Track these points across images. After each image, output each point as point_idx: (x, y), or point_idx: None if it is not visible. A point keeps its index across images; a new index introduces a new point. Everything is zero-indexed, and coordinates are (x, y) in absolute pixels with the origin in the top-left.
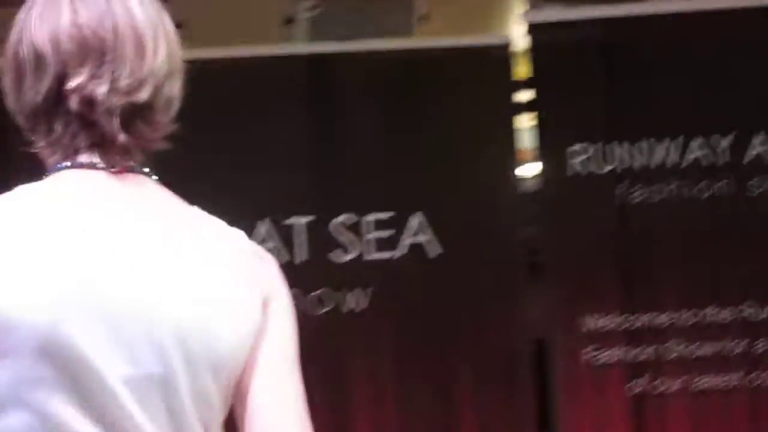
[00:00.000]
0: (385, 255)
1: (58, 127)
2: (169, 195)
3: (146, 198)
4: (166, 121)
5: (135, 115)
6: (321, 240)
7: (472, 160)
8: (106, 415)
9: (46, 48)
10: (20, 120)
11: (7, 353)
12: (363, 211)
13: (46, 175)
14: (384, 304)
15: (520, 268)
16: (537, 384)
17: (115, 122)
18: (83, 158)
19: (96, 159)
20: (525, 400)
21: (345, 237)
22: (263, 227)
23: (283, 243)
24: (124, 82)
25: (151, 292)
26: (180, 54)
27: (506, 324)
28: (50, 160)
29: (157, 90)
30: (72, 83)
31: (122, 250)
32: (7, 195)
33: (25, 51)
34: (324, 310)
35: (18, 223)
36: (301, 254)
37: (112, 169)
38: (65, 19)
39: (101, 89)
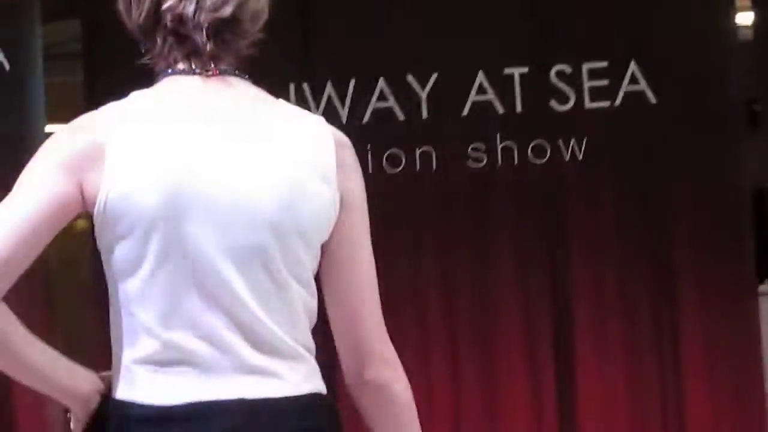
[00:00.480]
0: (602, 104)
1: (159, 41)
2: (258, 92)
3: (237, 96)
4: (253, 30)
5: (222, 28)
6: (538, 90)
7: (689, 7)
8: (206, 283)
9: None
10: (136, 37)
11: (127, 233)
12: (579, 61)
13: (156, 82)
14: (600, 154)
15: (739, 117)
16: (757, 233)
17: (203, 35)
18: (181, 65)
19: (191, 66)
20: (745, 248)
21: (561, 87)
22: (480, 78)
23: (500, 94)
24: (209, 1)
25: (243, 181)
26: None
27: (725, 173)
28: (157, 69)
29: (240, 6)
30: (166, 4)
31: (217, 143)
32: (124, 100)
33: None
34: (541, 161)
35: (132, 124)
36: (519, 105)
37: (206, 73)
38: None
39: (190, 8)
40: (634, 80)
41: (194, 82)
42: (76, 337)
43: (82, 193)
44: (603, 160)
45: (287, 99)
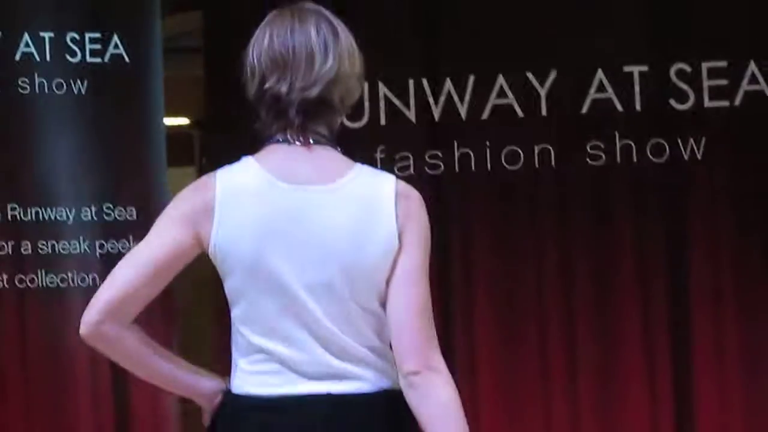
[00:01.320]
0: (722, 104)
1: (264, 113)
2: (341, 158)
3: (319, 162)
4: (343, 106)
5: (311, 105)
6: (657, 88)
7: None
8: (293, 309)
9: (255, 62)
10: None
11: (231, 271)
12: (698, 60)
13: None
14: (720, 154)
15: None
16: None
17: (294, 111)
18: (279, 136)
19: (287, 136)
20: None
21: (681, 85)
22: (598, 76)
23: (619, 92)
24: (299, 84)
25: (318, 229)
26: (356, 61)
27: None
28: (264, 137)
29: (329, 88)
30: (266, 85)
31: (297, 201)
32: (235, 164)
33: (248, 63)
34: (660, 160)
35: (235, 185)
36: (638, 103)
37: (297, 143)
38: (265, 44)
39: (283, 89)
40: (753, 80)
41: (287, 150)
42: (191, 322)
43: (199, 239)
44: (722, 160)
45: (407, 95)
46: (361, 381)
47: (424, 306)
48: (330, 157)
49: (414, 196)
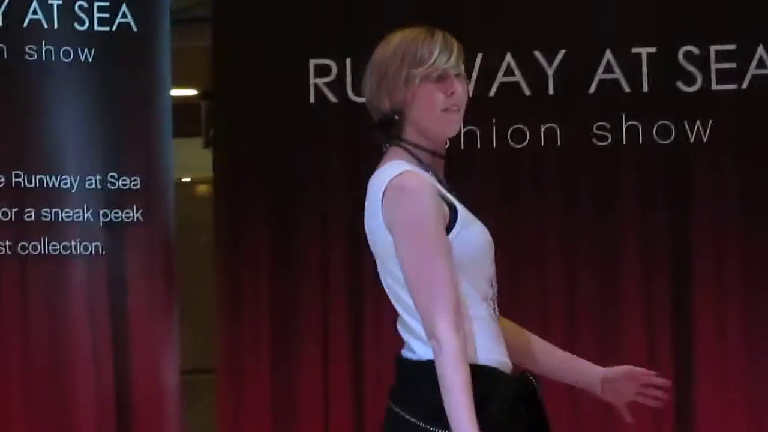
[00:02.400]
0: (729, 87)
1: None
2: (389, 151)
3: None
4: (382, 108)
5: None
6: (665, 70)
7: None
8: None
9: None
10: None
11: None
12: (707, 43)
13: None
14: (726, 137)
15: None
16: None
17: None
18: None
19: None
20: None
21: (689, 68)
22: (606, 56)
23: (626, 73)
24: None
25: None
26: (379, 71)
27: None
28: None
29: (371, 108)
30: None
31: None
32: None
33: None
34: (666, 141)
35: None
36: (645, 84)
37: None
38: None
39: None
40: (761, 64)
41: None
42: (196, 295)
43: None
44: (728, 143)
45: None
46: (406, 349)
47: (415, 283)
48: (387, 152)
49: (398, 186)
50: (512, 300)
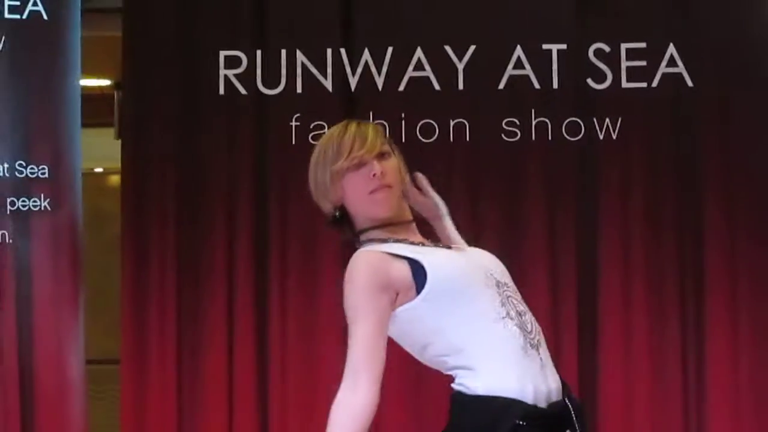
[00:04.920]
0: (639, 85)
1: None
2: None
3: None
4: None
5: None
6: (575, 67)
7: None
8: None
9: None
10: None
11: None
12: (617, 40)
13: None
14: (635, 134)
15: None
16: None
17: None
18: None
19: None
20: None
21: (599, 65)
22: (517, 52)
23: (536, 69)
24: None
25: None
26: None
27: (759, 157)
28: None
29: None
30: None
31: None
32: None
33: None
34: (575, 138)
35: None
36: (555, 81)
37: None
38: None
39: None
40: (672, 62)
41: None
42: (103, 283)
43: None
44: (637, 141)
45: (324, 64)
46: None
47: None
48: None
49: (346, 271)
50: None
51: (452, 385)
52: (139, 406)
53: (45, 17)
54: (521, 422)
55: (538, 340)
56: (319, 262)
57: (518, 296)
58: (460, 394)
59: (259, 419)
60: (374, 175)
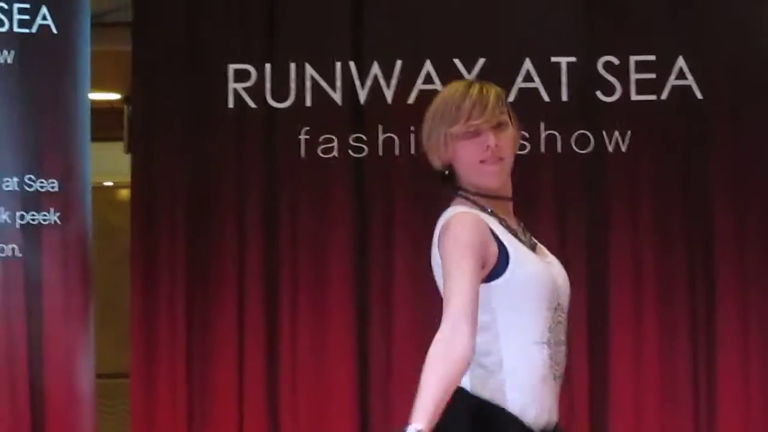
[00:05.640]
0: (648, 97)
1: None
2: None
3: None
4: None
5: None
6: (584, 80)
7: (739, 4)
8: None
9: None
10: None
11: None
12: (626, 53)
13: None
14: (644, 147)
15: None
16: None
17: None
18: None
19: None
20: None
21: (608, 78)
22: (526, 65)
23: (546, 82)
24: None
25: None
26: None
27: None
28: None
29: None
30: None
31: None
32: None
33: None
34: (585, 151)
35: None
36: (564, 94)
37: None
38: None
39: None
40: (681, 75)
41: None
42: (112, 297)
43: None
44: (647, 154)
45: (333, 77)
46: None
47: (445, 294)
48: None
49: (446, 225)
50: (426, 304)
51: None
52: (149, 419)
53: (54, 31)
54: None
55: (561, 374)
56: (329, 274)
57: (565, 323)
58: (465, 392)
59: (271, 431)
60: (488, 146)
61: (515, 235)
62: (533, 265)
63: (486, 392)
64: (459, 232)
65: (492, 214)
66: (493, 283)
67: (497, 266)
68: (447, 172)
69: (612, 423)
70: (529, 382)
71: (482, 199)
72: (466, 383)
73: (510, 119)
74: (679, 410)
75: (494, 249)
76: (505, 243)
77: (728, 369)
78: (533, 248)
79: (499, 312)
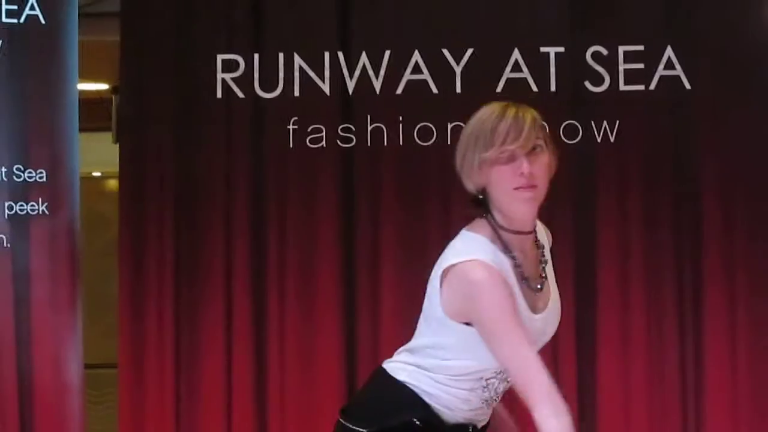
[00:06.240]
0: (637, 87)
1: None
2: (471, 225)
3: None
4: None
5: None
6: (573, 70)
7: None
8: None
9: None
10: None
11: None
12: (615, 43)
13: None
14: (633, 137)
15: None
16: None
17: None
18: None
19: None
20: None
21: (597, 68)
22: (514, 55)
23: (534, 72)
24: None
25: None
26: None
27: (756, 158)
28: None
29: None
30: None
31: None
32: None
33: None
34: (573, 141)
35: None
36: (553, 84)
37: None
38: None
39: None
40: (669, 65)
41: None
42: (101, 287)
43: None
44: (635, 143)
45: (322, 67)
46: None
47: (514, 371)
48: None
49: (462, 276)
50: (415, 296)
51: (390, 360)
52: (137, 410)
53: (42, 21)
54: (417, 422)
55: (496, 399)
56: (317, 263)
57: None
58: (386, 374)
59: (258, 422)
60: (522, 173)
61: (527, 283)
62: (529, 323)
63: (407, 379)
64: (497, 298)
65: (510, 256)
66: (472, 328)
67: None
68: (481, 197)
69: (600, 411)
70: (451, 393)
71: (507, 234)
72: (389, 366)
73: (545, 144)
74: (667, 397)
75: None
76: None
77: (715, 357)
78: (540, 288)
79: (459, 350)
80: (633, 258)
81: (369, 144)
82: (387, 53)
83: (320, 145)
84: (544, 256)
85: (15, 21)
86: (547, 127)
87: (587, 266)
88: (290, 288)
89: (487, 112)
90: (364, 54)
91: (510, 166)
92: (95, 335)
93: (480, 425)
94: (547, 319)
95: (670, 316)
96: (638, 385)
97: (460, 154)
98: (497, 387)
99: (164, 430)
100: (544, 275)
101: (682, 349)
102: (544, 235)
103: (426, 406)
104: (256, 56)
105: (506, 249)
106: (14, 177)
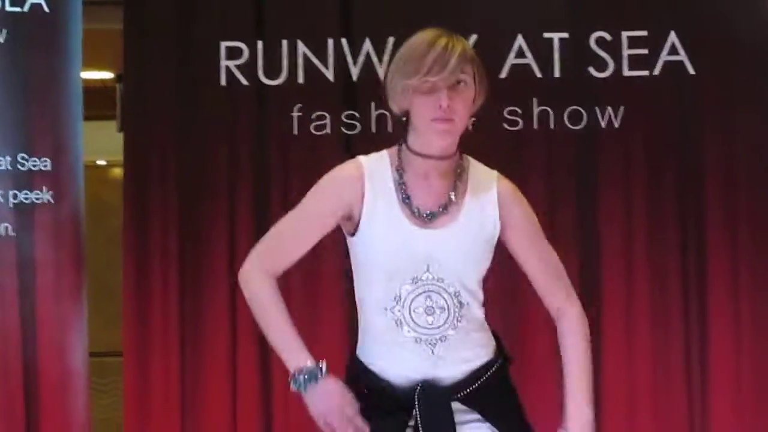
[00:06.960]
0: (641, 73)
1: None
2: None
3: None
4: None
5: None
6: (577, 56)
7: None
8: None
9: None
10: None
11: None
12: (619, 28)
13: None
14: (637, 123)
15: None
16: None
17: None
18: None
19: None
20: None
21: (601, 54)
22: (518, 41)
23: (538, 58)
24: None
25: None
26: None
27: (764, 152)
28: None
29: None
30: None
31: None
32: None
33: None
34: (577, 127)
35: None
36: (557, 70)
37: None
38: None
39: None
40: (673, 50)
41: None
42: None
43: None
44: (639, 129)
45: (326, 54)
46: None
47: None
48: None
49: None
50: None
51: None
52: (142, 398)
53: (46, 10)
54: (366, 390)
55: (437, 336)
56: (320, 250)
57: (449, 291)
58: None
59: (263, 409)
60: (440, 106)
61: (408, 204)
62: (386, 230)
63: (361, 353)
64: (318, 187)
65: (399, 173)
66: (351, 238)
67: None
68: (404, 119)
69: (605, 410)
70: (380, 347)
71: (412, 156)
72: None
73: (474, 79)
74: (672, 396)
75: (358, 205)
76: (371, 204)
77: (720, 354)
78: (428, 217)
79: (357, 280)
80: (637, 241)
81: (373, 130)
82: (391, 40)
83: (324, 131)
84: (456, 188)
85: (19, 9)
86: (479, 61)
87: (590, 250)
88: (294, 275)
89: (420, 38)
90: (367, 40)
91: (430, 98)
92: (100, 323)
93: (445, 381)
94: (435, 239)
95: (674, 304)
96: (643, 380)
97: (389, 77)
98: (408, 301)
99: (169, 418)
100: (443, 210)
101: (687, 341)
102: (492, 185)
103: (367, 371)
104: (260, 43)
105: (399, 167)
106: (19, 165)
